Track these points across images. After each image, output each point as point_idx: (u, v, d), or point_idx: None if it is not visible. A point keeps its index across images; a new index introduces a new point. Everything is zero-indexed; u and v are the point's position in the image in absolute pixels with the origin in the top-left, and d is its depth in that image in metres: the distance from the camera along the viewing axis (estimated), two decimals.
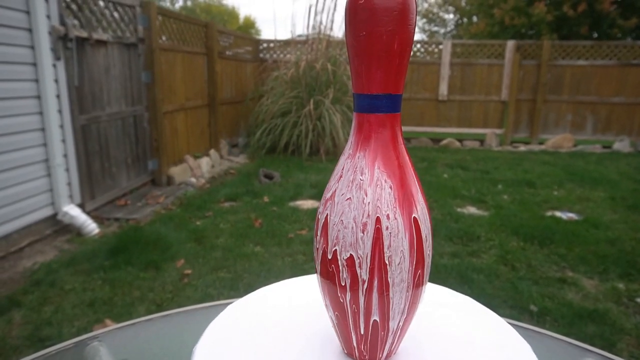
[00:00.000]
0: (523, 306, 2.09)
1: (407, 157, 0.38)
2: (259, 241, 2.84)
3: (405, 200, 0.36)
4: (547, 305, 2.09)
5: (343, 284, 0.37)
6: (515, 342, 0.44)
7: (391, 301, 0.36)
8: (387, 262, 0.35)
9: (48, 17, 2.86)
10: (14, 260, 2.54)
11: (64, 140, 3.04)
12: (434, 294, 0.54)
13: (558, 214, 3.48)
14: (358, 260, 0.36)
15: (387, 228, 0.35)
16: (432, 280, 0.55)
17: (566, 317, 2.00)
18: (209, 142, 5.40)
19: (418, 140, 7.14)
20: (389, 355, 0.40)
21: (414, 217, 0.36)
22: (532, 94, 6.87)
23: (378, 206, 0.35)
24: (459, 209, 3.56)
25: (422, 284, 0.38)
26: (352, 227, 0.36)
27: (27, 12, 2.72)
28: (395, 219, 0.35)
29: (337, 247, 0.36)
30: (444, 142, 7.00)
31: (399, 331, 0.39)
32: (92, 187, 3.35)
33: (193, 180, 4.40)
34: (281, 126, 5.51)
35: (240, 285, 2.26)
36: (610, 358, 0.58)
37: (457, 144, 6.96)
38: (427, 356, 0.42)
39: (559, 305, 2.10)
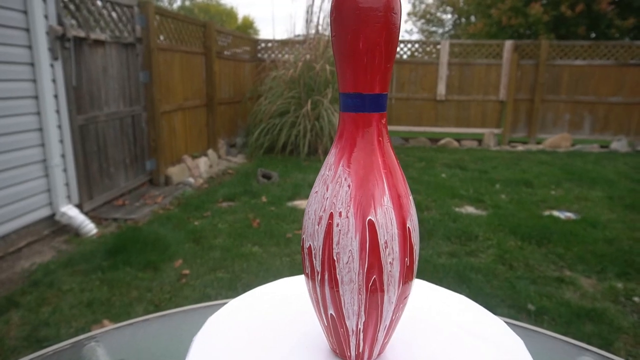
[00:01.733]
0: (521, 305, 2.09)
1: (381, 158, 0.37)
2: (257, 241, 2.84)
3: (362, 201, 0.35)
4: (544, 305, 2.10)
5: (307, 272, 0.39)
6: (510, 341, 0.44)
7: (342, 299, 0.37)
8: (335, 258, 0.36)
9: (46, 17, 2.86)
10: (12, 261, 2.53)
11: (61, 141, 3.03)
12: (428, 293, 0.54)
13: (556, 213, 3.49)
14: (314, 251, 0.37)
15: (337, 225, 0.36)
16: (431, 279, 0.55)
17: (564, 316, 2.01)
18: (207, 142, 5.40)
19: (416, 140, 7.14)
20: (370, 356, 0.40)
21: (369, 220, 0.35)
22: (530, 93, 6.88)
23: (334, 202, 0.36)
24: (457, 209, 3.56)
25: (380, 291, 0.36)
26: (312, 219, 0.37)
27: (25, 12, 2.71)
28: (347, 217, 0.35)
29: (304, 236, 0.38)
30: (442, 141, 7.01)
31: (369, 333, 0.38)
32: (90, 187, 3.34)
33: (191, 180, 4.40)
34: (279, 126, 5.51)
35: (239, 285, 2.26)
36: (607, 357, 0.58)
37: (455, 143, 6.97)
38: (419, 357, 0.42)
39: (557, 304, 2.11)
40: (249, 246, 2.76)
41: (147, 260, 2.50)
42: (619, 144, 6.69)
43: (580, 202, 3.81)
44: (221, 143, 5.68)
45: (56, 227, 2.98)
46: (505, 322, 0.48)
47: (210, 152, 5.27)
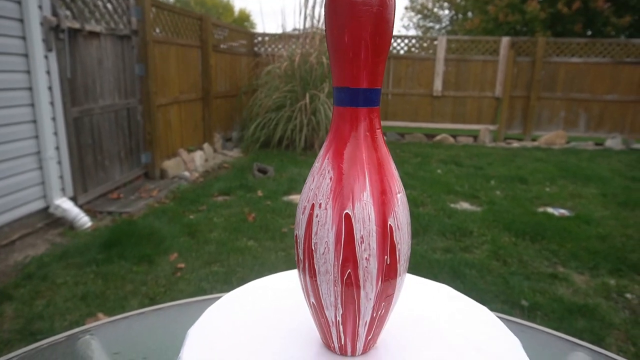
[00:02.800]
0: (514, 301, 2.11)
1: (366, 153, 0.37)
2: (253, 235, 2.84)
3: (341, 195, 0.36)
4: (538, 300, 2.11)
5: (295, 259, 0.40)
6: (503, 335, 0.44)
7: (320, 289, 0.38)
8: (313, 247, 0.37)
9: (40, 7, 2.83)
10: (5, 254, 2.52)
11: (56, 133, 3.01)
12: (421, 288, 0.54)
13: (550, 210, 3.51)
14: (299, 240, 0.39)
15: (317, 216, 0.37)
16: (426, 275, 0.55)
17: (557, 312, 2.02)
18: (202, 135, 5.38)
19: (412, 136, 7.15)
20: (353, 350, 0.40)
21: (346, 213, 0.36)
22: (526, 90, 6.90)
23: (316, 194, 0.37)
24: (452, 205, 3.58)
25: (356, 286, 0.36)
26: (299, 209, 0.39)
27: (19, 2, 2.68)
28: (326, 209, 0.36)
29: (294, 225, 0.39)
30: (438, 137, 7.02)
31: (348, 326, 0.38)
32: (84, 180, 3.32)
33: (186, 174, 4.38)
34: (275, 120, 5.49)
35: (234, 279, 2.26)
36: (599, 352, 0.59)
37: (451, 139, 6.98)
38: (409, 350, 0.42)
39: (550, 300, 2.13)
40: (244, 240, 2.76)
41: (142, 254, 2.50)
42: (614, 142, 6.73)
43: (574, 199, 3.83)
44: (217, 137, 5.66)
45: (50, 219, 2.96)
46: (499, 317, 0.49)
47: (206, 146, 5.26)
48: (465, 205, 3.60)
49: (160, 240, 2.70)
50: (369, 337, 0.40)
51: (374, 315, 0.38)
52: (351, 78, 0.36)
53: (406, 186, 4.06)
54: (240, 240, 2.77)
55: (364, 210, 0.36)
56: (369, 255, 0.36)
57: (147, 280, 2.24)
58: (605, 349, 0.63)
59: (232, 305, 0.49)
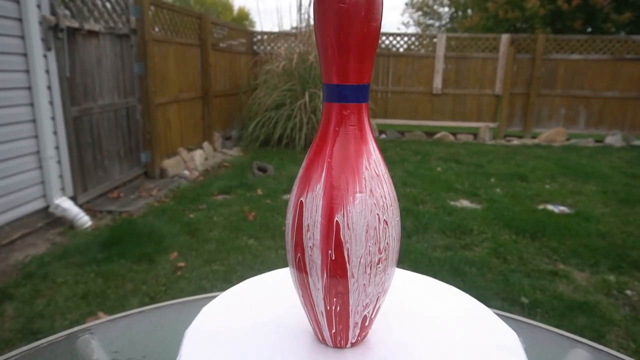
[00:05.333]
0: (514, 298, 2.11)
1: (330, 147, 0.38)
2: (253, 234, 2.84)
3: (301, 183, 0.38)
4: (538, 298, 2.11)
5: None
6: (503, 332, 0.44)
7: (289, 265, 0.41)
8: (285, 226, 0.40)
9: (38, 6, 2.82)
10: (6, 253, 2.52)
11: (55, 132, 3.01)
12: (419, 284, 0.54)
13: (550, 207, 3.51)
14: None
15: (289, 200, 0.40)
16: (426, 272, 0.55)
17: (557, 309, 2.02)
18: (202, 134, 5.37)
19: (412, 134, 7.14)
20: (343, 339, 0.41)
21: (300, 201, 0.38)
22: (526, 87, 6.89)
23: (295, 182, 0.40)
24: (452, 202, 3.58)
25: (305, 272, 0.38)
26: None
27: (17, 2, 2.68)
28: (292, 195, 0.40)
29: None
30: (438, 135, 7.01)
31: (308, 308, 0.40)
32: (84, 179, 3.32)
33: (186, 172, 4.38)
34: (275, 119, 5.49)
35: (234, 277, 2.27)
36: (599, 349, 0.58)
37: (451, 137, 6.98)
38: (404, 345, 0.42)
39: (550, 297, 2.13)
40: (245, 239, 2.76)
41: (142, 253, 2.50)
42: (614, 139, 6.72)
43: (574, 196, 3.83)
44: (217, 136, 5.66)
45: (50, 219, 2.96)
46: (499, 314, 0.48)
47: (205, 144, 5.25)
48: (465, 203, 3.60)
49: (160, 239, 2.70)
50: (333, 331, 0.40)
51: (328, 308, 0.39)
52: (327, 75, 0.38)
53: (406, 184, 4.05)
54: (241, 238, 2.77)
55: (313, 201, 0.37)
56: (313, 245, 0.37)
57: (147, 279, 2.24)
58: (606, 346, 0.63)
59: (231, 302, 0.49)
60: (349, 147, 0.37)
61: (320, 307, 0.39)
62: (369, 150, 0.38)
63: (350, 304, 0.38)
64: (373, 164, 0.38)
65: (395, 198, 0.39)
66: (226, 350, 0.41)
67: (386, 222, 0.37)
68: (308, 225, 0.37)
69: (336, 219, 0.36)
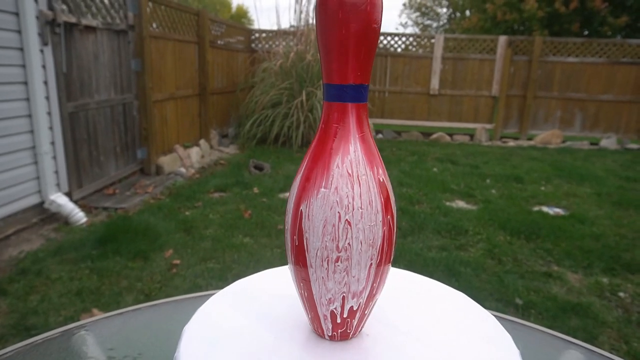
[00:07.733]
0: (509, 299, 2.12)
1: (315, 144, 0.40)
2: (248, 232, 2.84)
3: (299, 172, 0.41)
4: (532, 299, 2.12)
5: None
6: (497, 333, 0.45)
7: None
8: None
9: (36, 1, 2.80)
10: (0, 249, 2.51)
11: (51, 128, 2.99)
12: (415, 284, 0.54)
13: (545, 209, 3.53)
14: None
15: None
16: (421, 272, 0.56)
17: (550, 310, 2.04)
18: (199, 132, 5.36)
19: (409, 134, 7.15)
20: (321, 330, 0.42)
21: (293, 188, 0.41)
22: (523, 89, 6.92)
23: None
24: (447, 203, 3.59)
25: (287, 250, 0.41)
26: None
27: None
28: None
29: None
30: (434, 136, 7.03)
31: (304, 299, 0.41)
32: (79, 175, 3.31)
33: (182, 170, 4.37)
34: (272, 117, 5.48)
35: (229, 275, 2.26)
36: (592, 350, 0.59)
37: (447, 138, 6.99)
38: (398, 342, 0.42)
39: (544, 298, 2.14)
40: (240, 237, 2.76)
41: (137, 250, 2.49)
42: (609, 142, 6.76)
43: (569, 198, 3.85)
44: (213, 133, 5.65)
45: (45, 215, 2.95)
46: (493, 315, 0.49)
47: (202, 142, 5.24)
48: (460, 204, 3.61)
49: (155, 236, 2.69)
50: (311, 316, 0.42)
51: (299, 292, 0.41)
52: (326, 75, 0.39)
53: (402, 184, 4.06)
54: (236, 236, 2.77)
55: (292, 189, 0.41)
56: (286, 229, 0.41)
57: (142, 277, 2.24)
58: (598, 347, 0.63)
59: (227, 301, 0.49)
60: (329, 144, 0.39)
61: (296, 288, 0.42)
62: (348, 149, 0.38)
63: (314, 293, 0.40)
64: (347, 163, 0.38)
65: (375, 203, 0.38)
66: (225, 347, 0.41)
67: (348, 222, 0.37)
68: (286, 210, 0.41)
69: (301, 208, 0.39)
